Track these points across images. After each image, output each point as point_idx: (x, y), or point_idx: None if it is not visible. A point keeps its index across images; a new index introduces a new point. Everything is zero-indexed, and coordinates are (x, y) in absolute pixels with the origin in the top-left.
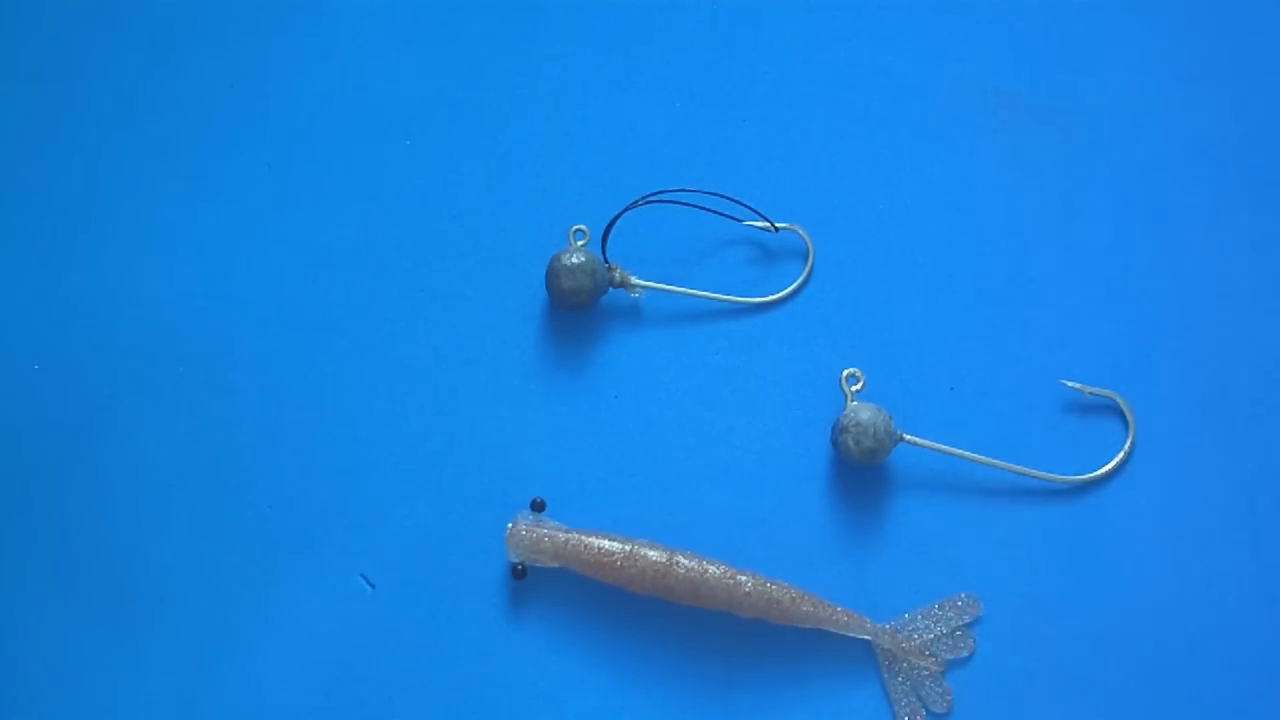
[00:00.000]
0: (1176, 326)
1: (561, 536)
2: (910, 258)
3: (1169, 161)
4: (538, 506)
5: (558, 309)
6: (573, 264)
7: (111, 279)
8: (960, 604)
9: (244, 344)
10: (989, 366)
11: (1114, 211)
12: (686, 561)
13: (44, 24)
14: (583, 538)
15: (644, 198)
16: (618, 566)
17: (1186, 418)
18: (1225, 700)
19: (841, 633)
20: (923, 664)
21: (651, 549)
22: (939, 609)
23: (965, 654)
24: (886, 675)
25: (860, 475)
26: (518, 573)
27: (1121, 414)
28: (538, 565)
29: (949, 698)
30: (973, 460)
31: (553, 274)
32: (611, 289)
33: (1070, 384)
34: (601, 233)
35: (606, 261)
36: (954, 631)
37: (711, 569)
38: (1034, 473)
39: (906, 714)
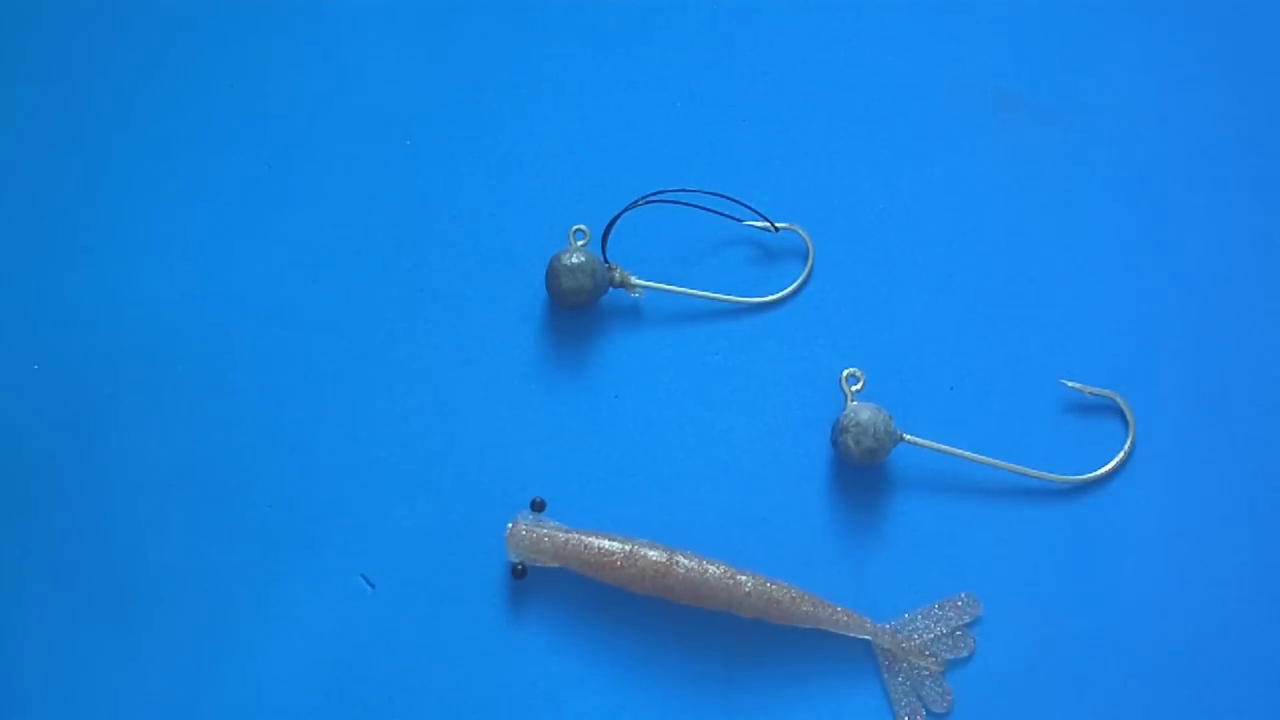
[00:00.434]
0: (1176, 326)
1: (561, 536)
2: (910, 258)
3: (1169, 161)
4: (538, 506)
5: (558, 309)
6: (573, 264)
7: (111, 279)
8: (960, 604)
9: (244, 344)
10: (989, 366)
11: (1114, 211)
12: (686, 561)
13: (44, 24)
14: (583, 538)
15: (644, 198)
16: (618, 566)
17: (1186, 418)
18: (1225, 700)
19: (841, 633)
20: (923, 664)
21: (651, 549)
22: (939, 609)
23: (965, 654)
24: (886, 675)
25: (860, 475)
26: (518, 573)
27: (1121, 414)
28: (538, 565)
29: (949, 698)
30: (973, 460)
31: (553, 274)
32: (611, 289)
33: (1070, 384)
34: (601, 233)
35: (606, 261)
36: (954, 631)
37: (711, 569)
38: (1034, 473)
39: (906, 714)
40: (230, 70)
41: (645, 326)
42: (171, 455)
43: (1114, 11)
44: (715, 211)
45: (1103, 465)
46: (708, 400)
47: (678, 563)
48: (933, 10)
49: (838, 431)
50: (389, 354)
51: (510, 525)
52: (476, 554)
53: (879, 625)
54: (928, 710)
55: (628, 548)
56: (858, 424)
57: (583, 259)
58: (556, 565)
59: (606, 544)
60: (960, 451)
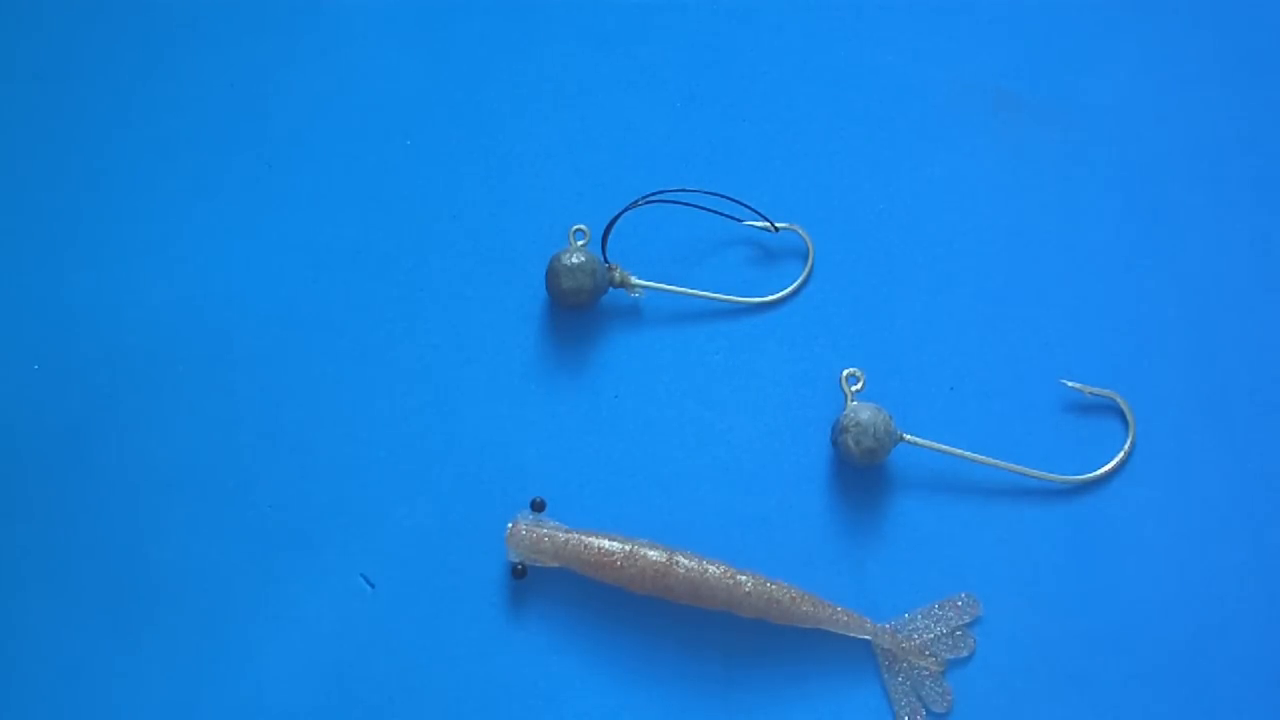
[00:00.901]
0: (1176, 326)
1: (561, 536)
2: (910, 258)
3: (1169, 161)
4: (538, 506)
5: (558, 309)
6: (573, 264)
7: (111, 279)
8: (960, 604)
9: (244, 344)
10: (989, 366)
11: (1114, 211)
12: (686, 561)
13: (44, 24)
14: (583, 538)
15: (644, 198)
16: (618, 566)
17: (1186, 418)
18: (1225, 700)
19: (841, 633)
20: (923, 664)
21: (651, 549)
22: (939, 609)
23: (965, 654)
24: (886, 675)
25: (860, 475)
26: (518, 573)
27: (1121, 414)
28: (538, 565)
29: (949, 698)
30: (973, 460)
31: (553, 274)
32: (611, 289)
33: (1070, 384)
34: (601, 233)
35: (606, 261)
36: (954, 631)
37: (711, 569)
38: (1034, 473)
39: (906, 714)
40: (230, 70)
41: (645, 326)
42: (171, 456)
43: (1114, 11)
44: (715, 211)
45: (1103, 465)
46: (708, 400)
47: (678, 563)
48: (933, 10)
49: (838, 431)
50: (389, 354)
51: (510, 525)
52: (476, 554)
53: (879, 625)
54: (928, 710)
55: (628, 548)
56: (858, 424)
57: (583, 259)
58: (556, 565)
59: (606, 544)
60: (960, 451)
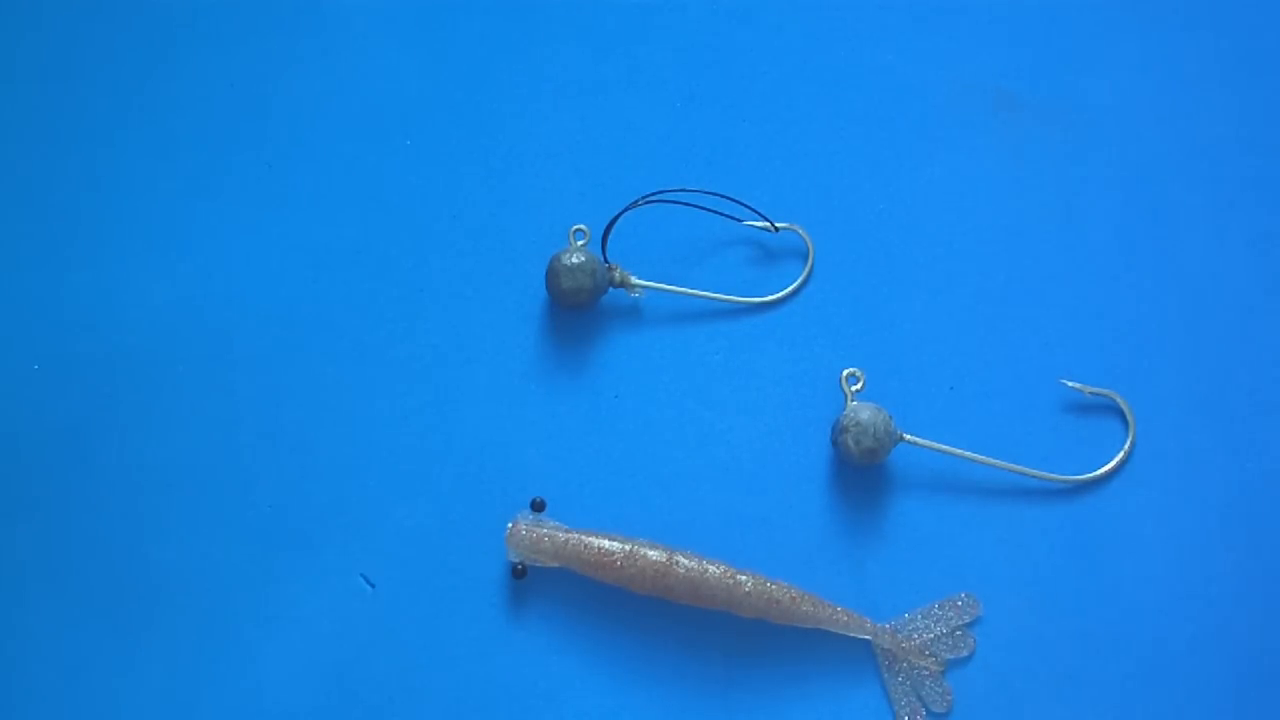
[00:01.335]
0: (1176, 326)
1: (561, 536)
2: (910, 258)
3: (1169, 161)
4: (538, 506)
5: (558, 309)
6: (573, 264)
7: (111, 279)
8: (960, 604)
9: (244, 344)
10: (989, 366)
11: (1114, 212)
12: (686, 561)
13: (44, 24)
14: (583, 538)
15: (644, 198)
16: (618, 566)
17: (1186, 418)
18: (1225, 700)
19: (841, 633)
20: (923, 664)
21: (651, 549)
22: (939, 609)
23: (965, 654)
24: (886, 675)
25: (860, 475)
26: (518, 573)
27: (1121, 414)
28: (538, 565)
29: (949, 698)
30: (973, 460)
31: (553, 274)
32: (611, 289)
33: (1070, 384)
34: (601, 233)
35: (606, 261)
36: (954, 631)
37: (711, 569)
38: (1034, 473)
39: (906, 714)
40: (230, 70)
41: (645, 326)
42: (171, 456)
43: (1114, 12)
44: (715, 211)
45: (1103, 465)
46: (708, 400)
47: (678, 563)
48: (933, 10)
49: (838, 431)
50: (389, 354)
51: (510, 525)
52: (476, 554)
53: (879, 625)
54: (928, 710)
55: (628, 548)
56: (858, 424)
57: (583, 259)
58: (556, 565)
59: (606, 544)
60: (960, 451)
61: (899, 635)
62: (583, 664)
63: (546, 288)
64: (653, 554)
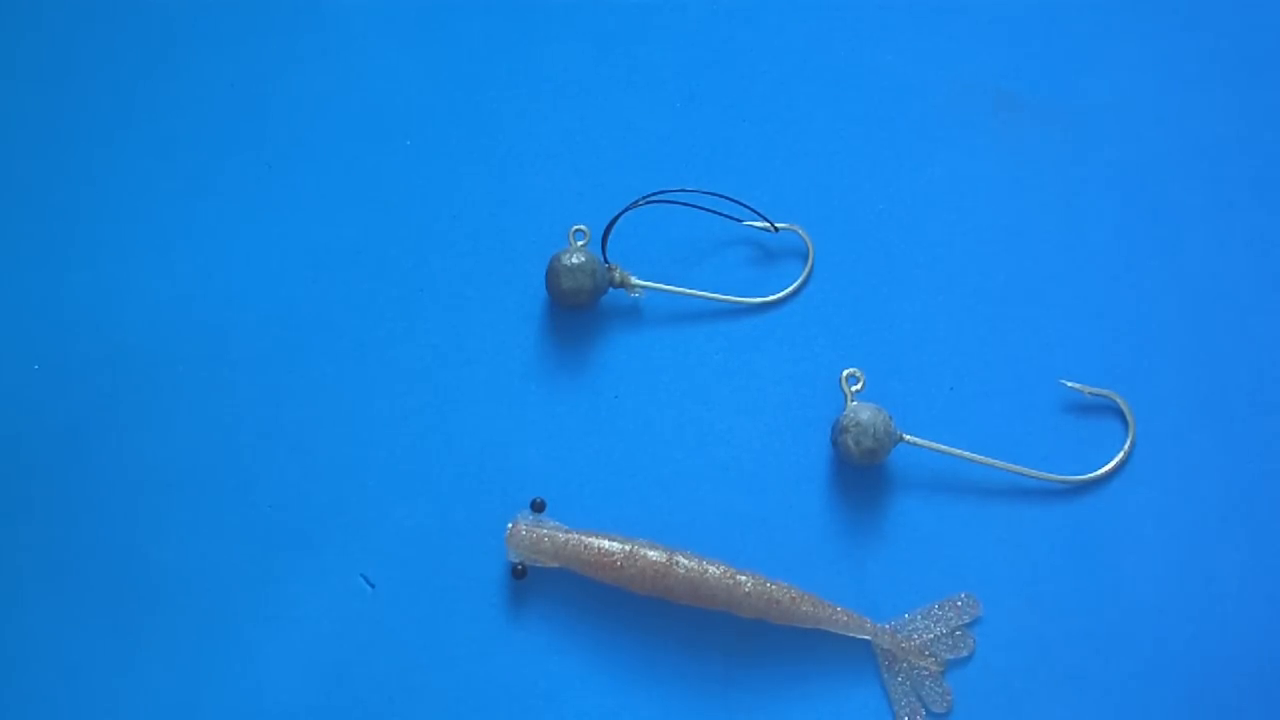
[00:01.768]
0: (1176, 326)
1: (561, 536)
2: (910, 258)
3: (1169, 161)
4: (538, 506)
5: (558, 309)
6: (573, 264)
7: (111, 279)
8: (960, 604)
9: (243, 344)
10: (989, 366)
11: (1114, 212)
12: (686, 561)
13: (44, 24)
14: (583, 538)
15: (644, 198)
16: (618, 566)
17: (1186, 418)
18: (1225, 700)
19: (841, 633)
20: (923, 664)
21: (651, 549)
22: (939, 609)
23: (965, 654)
24: (886, 675)
25: (860, 475)
26: (518, 573)
27: (1121, 414)
28: (538, 565)
29: (949, 698)
30: (973, 460)
31: (553, 274)
32: (611, 289)
33: (1070, 384)
34: (601, 233)
35: (606, 261)
36: (954, 631)
37: (711, 569)
38: (1034, 473)
39: (906, 714)
40: (230, 70)
41: (645, 326)
42: (171, 455)
43: (1114, 11)
44: (715, 212)
45: (1103, 465)
46: (708, 400)
47: (678, 563)
48: (933, 10)
49: (838, 431)
50: (389, 354)
51: (510, 525)
52: (476, 554)
53: (879, 625)
54: (928, 710)
55: (628, 548)
56: (858, 424)
57: (583, 259)
58: (556, 565)
59: (606, 544)
60: (960, 451)
61: (899, 635)
62: (583, 664)
63: (546, 288)
64: (653, 554)
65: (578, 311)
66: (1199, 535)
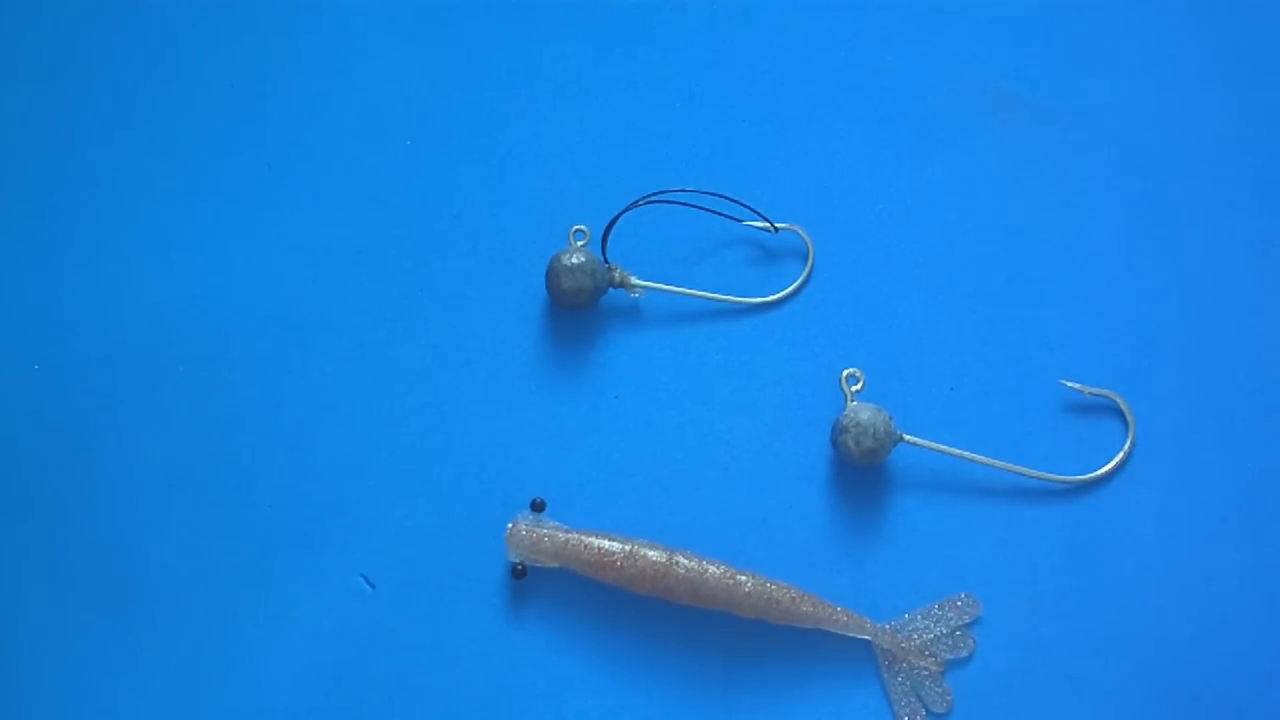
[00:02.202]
0: (1176, 326)
1: (561, 536)
2: (910, 258)
3: (1169, 161)
4: (538, 506)
5: (558, 309)
6: (573, 264)
7: (111, 279)
8: (960, 604)
9: (243, 344)
10: (989, 366)
11: (1114, 212)
12: (686, 561)
13: (44, 24)
14: (583, 538)
15: (644, 198)
16: (618, 566)
17: (1186, 418)
18: (1225, 700)
19: (841, 633)
20: (923, 664)
21: (651, 549)
22: (939, 609)
23: (965, 654)
24: (886, 675)
25: (860, 475)
26: (518, 573)
27: (1121, 414)
28: (538, 565)
29: (949, 698)
30: (973, 460)
31: (553, 274)
32: (611, 289)
33: (1070, 384)
34: (601, 233)
35: (606, 261)
36: (954, 631)
37: (711, 569)
38: (1034, 473)
39: (906, 714)
40: (230, 70)
41: (645, 326)
42: (171, 455)
43: (1114, 11)
44: (715, 212)
45: (1103, 465)
46: (708, 400)
47: (678, 563)
48: (933, 10)
49: (838, 431)
50: (389, 354)
51: (510, 525)
52: (476, 554)
53: (879, 625)
54: (928, 710)
55: (628, 548)
56: (858, 424)
57: (583, 259)
58: (556, 565)
59: (606, 544)
60: (960, 451)
61: (899, 635)
62: (583, 664)
63: (546, 288)
64: (653, 554)
65: (578, 311)
66: (1199, 535)
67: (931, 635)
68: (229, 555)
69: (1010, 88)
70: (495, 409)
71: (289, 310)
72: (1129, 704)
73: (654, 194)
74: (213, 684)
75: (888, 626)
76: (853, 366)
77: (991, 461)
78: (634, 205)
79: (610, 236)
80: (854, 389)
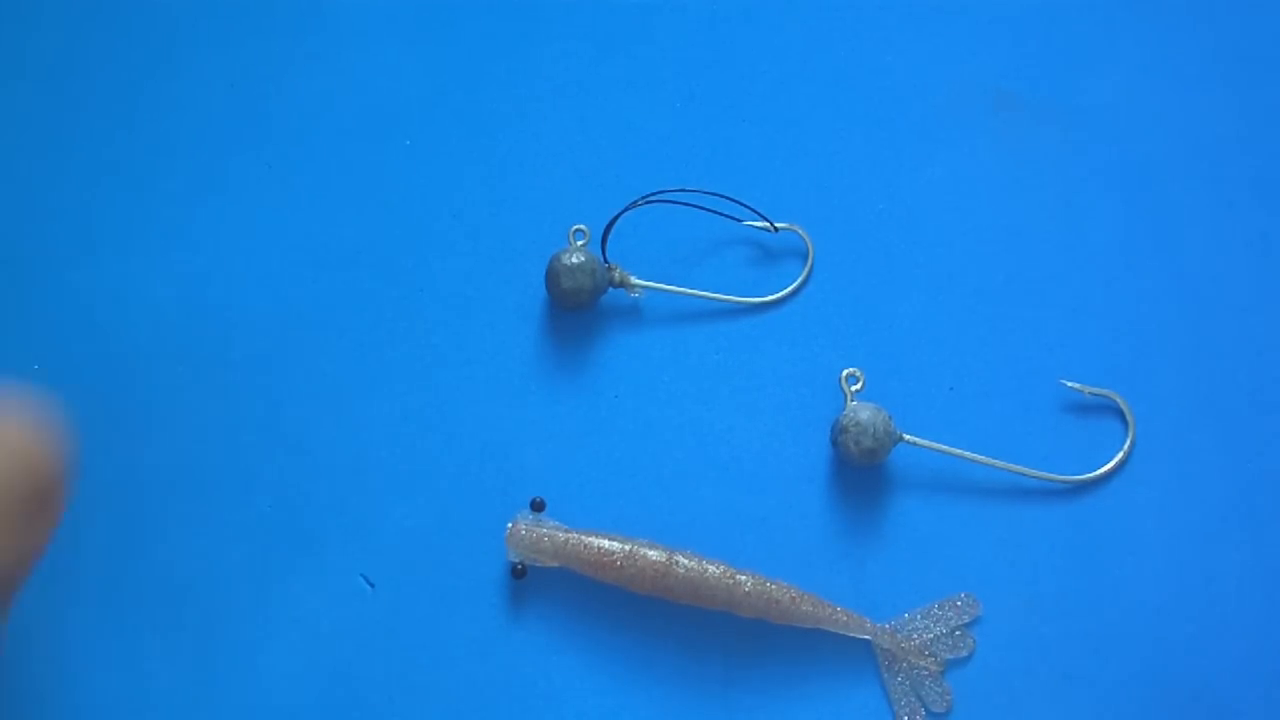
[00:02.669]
0: (1176, 326)
1: (561, 536)
2: (910, 258)
3: (1169, 161)
4: (538, 506)
5: (558, 309)
6: (573, 264)
7: (111, 278)
8: (960, 604)
9: (244, 344)
10: (989, 366)
11: (1114, 211)
12: (686, 561)
13: (44, 24)
14: (583, 538)
15: (644, 198)
16: (618, 566)
17: (1186, 418)
18: (1225, 700)
19: (841, 633)
20: (922, 664)
21: (651, 549)
22: (939, 609)
23: (965, 654)
24: (886, 675)
25: (860, 475)
26: (518, 573)
27: (1121, 414)
28: (538, 565)
29: (949, 698)
30: (973, 460)
31: (553, 274)
32: (611, 289)
33: (1070, 384)
34: (601, 233)
35: (606, 261)
36: (954, 631)
37: (711, 569)
38: (1034, 473)
39: (906, 714)
40: (231, 70)
41: (645, 326)
42: (171, 455)
43: (1114, 11)
44: (715, 211)
45: (1103, 465)
46: (708, 400)
47: (678, 563)
48: (933, 10)
49: (838, 431)
50: (389, 354)
51: (510, 525)
52: (476, 554)
53: (879, 625)
54: (928, 710)
55: (628, 548)
56: (858, 424)
57: (583, 259)
58: (556, 565)
59: (606, 544)
60: (960, 451)
61: (899, 635)
62: (583, 664)
63: (546, 288)
64: (653, 554)
65: (578, 311)
66: (1199, 535)
67: (931, 635)
68: (229, 555)
69: (1010, 88)
70: (495, 409)
71: (288, 310)
72: (1129, 704)
73: (654, 194)
74: (212, 683)
75: (888, 626)
76: (852, 366)
77: (991, 461)
78: (634, 205)
79: (610, 236)
80: (854, 389)
